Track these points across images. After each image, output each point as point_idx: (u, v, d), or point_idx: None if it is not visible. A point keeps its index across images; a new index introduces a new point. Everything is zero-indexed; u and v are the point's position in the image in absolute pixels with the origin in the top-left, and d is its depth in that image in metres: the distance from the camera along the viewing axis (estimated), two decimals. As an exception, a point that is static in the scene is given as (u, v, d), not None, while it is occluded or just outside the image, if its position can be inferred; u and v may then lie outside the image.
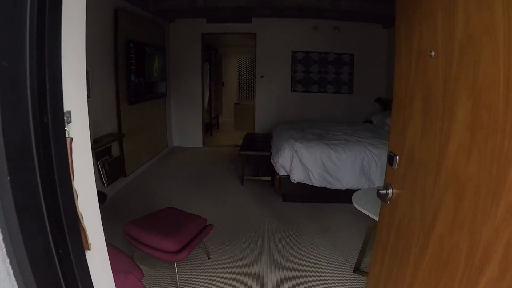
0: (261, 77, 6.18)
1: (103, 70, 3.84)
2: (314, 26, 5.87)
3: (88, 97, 3.56)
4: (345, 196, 3.59)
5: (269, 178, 4.38)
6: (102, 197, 2.84)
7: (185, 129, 6.58)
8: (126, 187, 4.32)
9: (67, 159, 0.71)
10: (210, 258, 2.74)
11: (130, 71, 4.31)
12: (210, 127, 8.05)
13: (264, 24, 5.96)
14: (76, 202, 0.74)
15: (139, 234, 2.38)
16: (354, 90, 6.14)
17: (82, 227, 0.77)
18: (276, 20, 5.90)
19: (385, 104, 5.87)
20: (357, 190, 3.47)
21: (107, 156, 3.83)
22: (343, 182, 3.58)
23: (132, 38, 4.36)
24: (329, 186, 3.61)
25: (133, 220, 2.53)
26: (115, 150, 4.10)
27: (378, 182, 3.55)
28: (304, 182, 3.64)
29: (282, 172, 3.76)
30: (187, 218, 2.62)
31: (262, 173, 4.74)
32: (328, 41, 5.94)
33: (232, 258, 2.76)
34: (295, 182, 3.64)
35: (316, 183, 3.62)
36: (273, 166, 3.88)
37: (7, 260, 0.57)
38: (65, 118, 0.71)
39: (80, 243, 0.75)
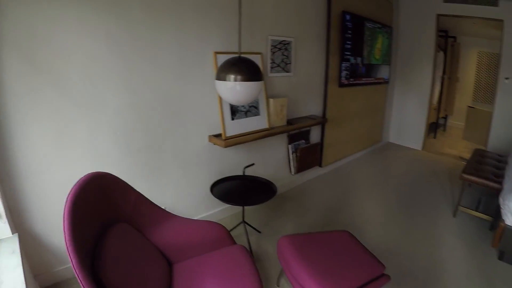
0: (506, 79, 4.36)
1: (309, 42, 3.38)
2: None
3: (287, 71, 3.21)
4: None
5: (490, 219, 2.86)
6: (270, 190, 2.31)
7: (406, 125, 5.52)
8: (318, 179, 3.81)
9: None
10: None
11: (344, 48, 3.71)
12: (435, 128, 6.51)
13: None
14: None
15: (289, 257, 1.77)
16: None
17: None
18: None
19: None
20: None
21: (303, 141, 3.43)
22: None
23: (350, 10, 3.73)
24: None
25: (291, 236, 1.92)
26: (314, 136, 3.66)
27: None
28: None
29: (509, 221, 2.26)
30: (359, 256, 1.78)
31: (483, 206, 3.18)
32: None
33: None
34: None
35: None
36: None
37: None
38: None
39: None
